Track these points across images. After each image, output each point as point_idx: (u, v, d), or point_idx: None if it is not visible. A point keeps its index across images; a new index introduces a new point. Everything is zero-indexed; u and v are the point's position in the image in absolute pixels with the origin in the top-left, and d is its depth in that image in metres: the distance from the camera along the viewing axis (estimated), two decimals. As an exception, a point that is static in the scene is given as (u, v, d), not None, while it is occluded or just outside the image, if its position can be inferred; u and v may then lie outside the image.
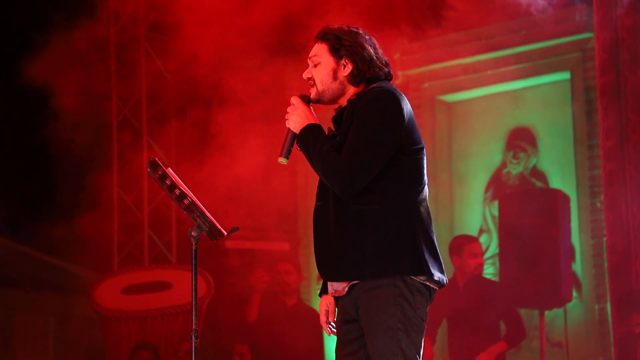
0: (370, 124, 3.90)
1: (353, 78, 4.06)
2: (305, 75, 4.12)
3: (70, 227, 9.25)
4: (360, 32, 4.09)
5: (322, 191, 4.05)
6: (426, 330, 7.31)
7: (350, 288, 3.98)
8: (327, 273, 4.04)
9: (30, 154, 9.50)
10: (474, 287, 7.46)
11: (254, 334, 7.96)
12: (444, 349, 8.09)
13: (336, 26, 4.11)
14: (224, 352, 8.75)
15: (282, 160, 4.05)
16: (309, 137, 3.99)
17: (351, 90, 4.08)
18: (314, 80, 4.09)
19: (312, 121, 4.04)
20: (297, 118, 4.05)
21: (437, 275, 3.93)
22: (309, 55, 4.12)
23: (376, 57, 4.08)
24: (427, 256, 3.91)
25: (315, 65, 4.10)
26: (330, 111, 4.16)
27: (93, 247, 9.69)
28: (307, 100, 4.09)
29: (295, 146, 4.07)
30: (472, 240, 7.73)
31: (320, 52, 4.09)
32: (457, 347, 7.46)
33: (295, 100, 4.09)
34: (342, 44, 4.05)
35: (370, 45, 4.08)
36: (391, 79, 4.13)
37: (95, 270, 9.80)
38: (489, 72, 9.17)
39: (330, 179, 3.90)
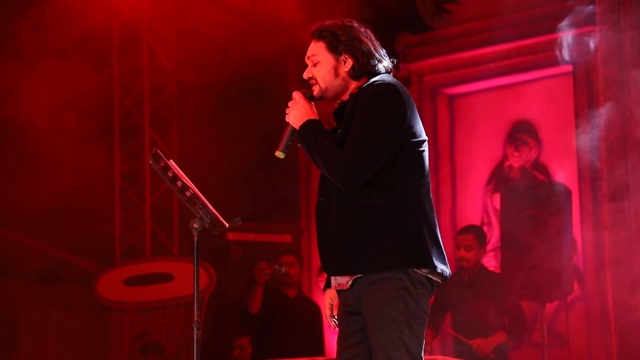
0: (373, 117, 3.91)
1: (354, 73, 4.06)
2: (306, 76, 4.11)
3: (72, 219, 9.27)
4: (355, 25, 4.08)
5: (324, 186, 4.06)
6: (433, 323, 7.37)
7: (354, 281, 3.99)
8: (332, 268, 4.05)
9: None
10: (477, 280, 7.47)
11: (255, 326, 7.98)
12: (445, 339, 8.11)
13: (330, 22, 4.09)
14: (225, 344, 8.76)
15: (279, 154, 4.06)
16: (309, 132, 4.00)
17: (353, 85, 4.08)
18: (316, 79, 4.09)
19: (312, 117, 4.04)
20: (297, 113, 4.05)
21: (440, 267, 3.94)
22: (307, 55, 4.11)
23: (374, 49, 4.08)
24: (430, 249, 3.92)
25: (314, 65, 4.09)
26: (331, 105, 4.17)
27: (95, 238, 9.71)
28: (309, 96, 4.09)
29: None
30: (462, 231, 7.72)
31: (318, 51, 4.07)
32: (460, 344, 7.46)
33: (297, 96, 4.09)
34: (339, 40, 4.04)
35: (367, 38, 4.07)
36: (391, 71, 4.14)
37: (97, 262, 9.81)
38: (491, 64, 9.17)
39: (333, 173, 3.91)
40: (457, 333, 7.36)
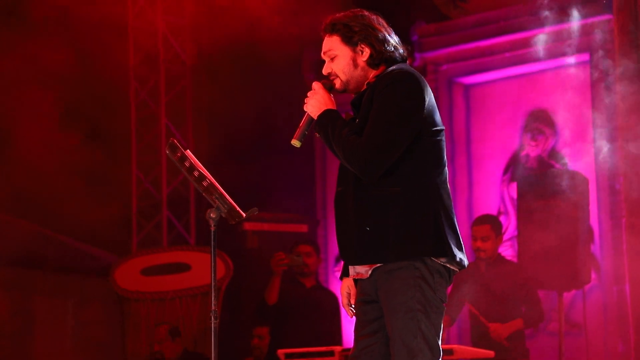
0: (391, 106, 3.91)
1: (372, 61, 4.06)
2: (325, 71, 4.12)
3: (89, 209, 9.29)
4: (366, 14, 4.08)
5: (343, 176, 4.06)
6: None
7: (373, 271, 3.99)
8: (351, 257, 4.05)
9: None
10: (495, 269, 7.46)
11: (273, 316, 7.99)
12: (462, 329, 8.11)
13: (340, 14, 4.09)
14: (243, 333, 8.77)
15: (295, 143, 4.07)
16: (327, 121, 4.00)
17: (371, 74, 4.09)
18: (336, 74, 4.09)
19: (330, 107, 4.05)
20: (315, 103, 4.06)
21: (458, 256, 3.95)
22: (323, 51, 4.11)
23: (388, 35, 4.08)
24: (449, 238, 3.93)
25: (332, 59, 4.09)
26: (348, 95, 4.17)
27: (112, 228, 9.73)
28: (328, 87, 4.10)
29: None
30: (477, 222, 7.70)
31: (334, 45, 4.07)
32: (477, 328, 7.45)
33: (316, 86, 4.09)
34: (353, 31, 4.04)
35: (380, 25, 4.08)
36: (407, 59, 4.13)
37: (114, 252, 9.85)
38: (507, 53, 9.14)
39: (352, 162, 3.91)
40: (478, 312, 7.35)
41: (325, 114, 4.02)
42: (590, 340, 7.81)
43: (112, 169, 9.50)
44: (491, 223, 7.57)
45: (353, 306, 4.15)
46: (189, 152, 4.40)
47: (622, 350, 8.03)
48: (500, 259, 7.61)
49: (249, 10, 8.84)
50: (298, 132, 4.07)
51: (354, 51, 4.06)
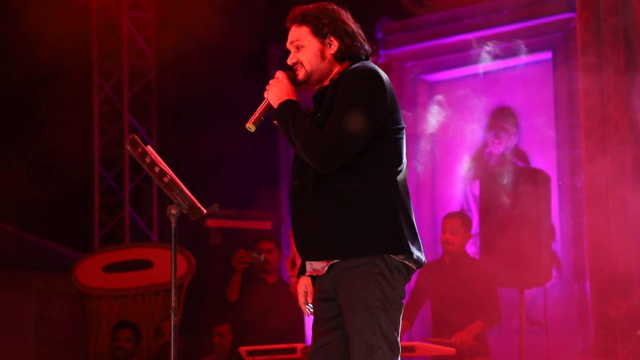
0: (355, 102, 3.91)
1: (340, 54, 4.06)
2: (290, 61, 4.10)
3: (51, 205, 9.24)
4: (335, 7, 4.09)
5: (298, 170, 4.05)
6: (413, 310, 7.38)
7: (330, 267, 3.99)
8: (308, 252, 4.05)
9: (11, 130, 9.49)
10: (459, 266, 7.47)
11: (234, 313, 7.97)
12: (425, 326, 8.12)
13: (311, 6, 4.09)
14: (205, 330, 8.76)
15: (250, 127, 4.06)
16: (288, 111, 3.99)
17: (335, 69, 4.08)
18: (301, 63, 4.08)
19: (292, 97, 4.04)
20: (277, 91, 4.04)
21: (416, 254, 3.96)
22: (290, 41, 4.10)
23: (357, 30, 4.09)
24: (406, 235, 3.93)
25: (298, 49, 4.08)
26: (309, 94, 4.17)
27: (74, 225, 9.68)
28: (292, 78, 4.08)
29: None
30: (449, 216, 7.73)
31: (302, 36, 4.06)
32: (438, 324, 7.46)
33: (280, 75, 4.08)
34: (322, 23, 4.04)
35: (349, 19, 4.09)
36: (371, 57, 4.14)
37: (76, 249, 9.79)
38: (472, 51, 9.16)
39: (311, 153, 3.90)
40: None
41: (287, 104, 4.01)
42: (551, 337, 7.85)
43: (74, 164, 9.45)
44: (462, 218, 7.61)
45: (310, 305, 4.15)
46: (149, 148, 4.37)
47: (582, 347, 8.08)
48: (466, 256, 7.62)
49: (214, 3, 8.81)
50: (254, 117, 4.05)
51: (323, 43, 4.06)
